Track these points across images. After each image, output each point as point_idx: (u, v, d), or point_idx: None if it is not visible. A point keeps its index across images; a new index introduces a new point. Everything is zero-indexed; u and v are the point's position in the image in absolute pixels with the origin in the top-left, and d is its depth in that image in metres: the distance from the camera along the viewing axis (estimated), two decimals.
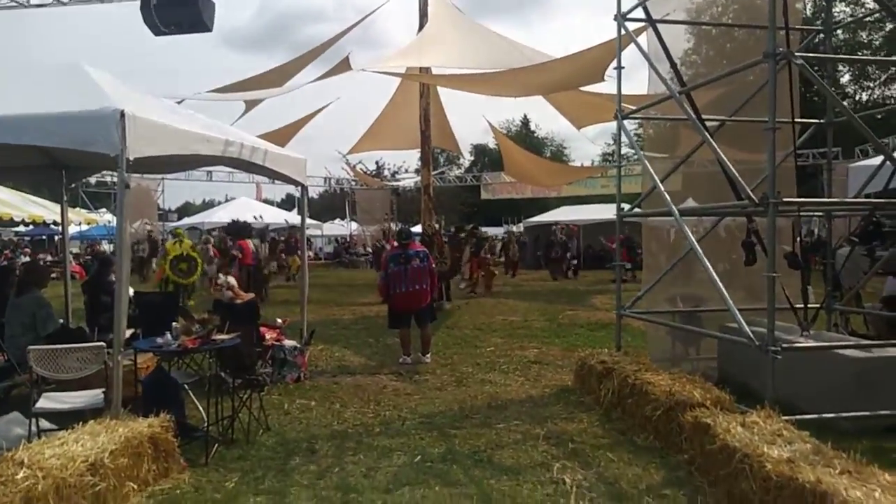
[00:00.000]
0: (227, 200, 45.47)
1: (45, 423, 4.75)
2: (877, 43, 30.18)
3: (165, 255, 14.55)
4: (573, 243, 23.25)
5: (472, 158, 55.03)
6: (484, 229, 22.80)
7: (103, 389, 4.82)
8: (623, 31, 7.26)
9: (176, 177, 26.64)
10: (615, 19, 7.25)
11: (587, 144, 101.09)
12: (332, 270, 28.98)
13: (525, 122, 56.84)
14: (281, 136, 17.73)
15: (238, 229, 16.38)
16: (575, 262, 23.01)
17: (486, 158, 51.32)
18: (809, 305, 6.54)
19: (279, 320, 7.97)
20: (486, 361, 8.38)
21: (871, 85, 32.22)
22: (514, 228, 33.88)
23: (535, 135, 56.53)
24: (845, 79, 32.25)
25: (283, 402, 6.43)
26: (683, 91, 6.39)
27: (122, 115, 4.49)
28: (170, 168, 11.23)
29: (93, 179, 22.65)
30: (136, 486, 4.04)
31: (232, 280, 7.84)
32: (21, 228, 26.35)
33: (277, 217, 28.03)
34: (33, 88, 5.46)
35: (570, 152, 57.52)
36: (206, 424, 5.10)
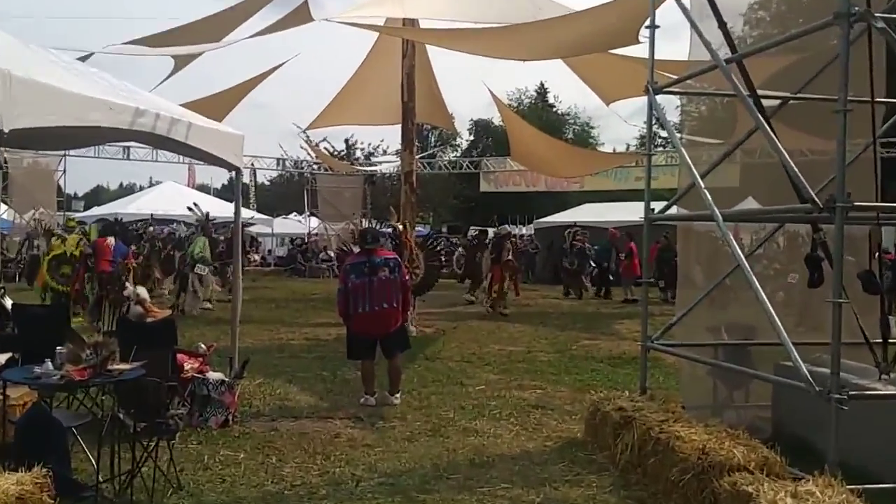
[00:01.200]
0: (150, 185, 45.60)
1: None
2: None
3: (46, 254, 14.28)
4: (614, 253, 23.10)
5: (472, 138, 55.19)
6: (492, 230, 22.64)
7: None
8: None
9: (82, 153, 26.40)
10: None
11: (620, 123, 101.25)
12: (284, 280, 28.96)
13: (541, 92, 56.72)
14: (219, 105, 17.81)
15: (108, 228, 14.94)
16: (610, 276, 23.14)
17: (490, 139, 51.40)
18: (891, 340, 6.55)
19: (202, 346, 7.93)
20: (472, 404, 8.40)
21: None
22: (525, 230, 33.95)
23: (555, 110, 56.52)
24: None
25: (203, 454, 6.40)
26: (733, 59, 6.39)
27: None
28: (71, 143, 11.18)
29: None
30: None
31: (142, 291, 7.85)
32: None
33: (223, 210, 25.38)
34: None
35: (598, 133, 57.66)
36: (97, 481, 5.06)
